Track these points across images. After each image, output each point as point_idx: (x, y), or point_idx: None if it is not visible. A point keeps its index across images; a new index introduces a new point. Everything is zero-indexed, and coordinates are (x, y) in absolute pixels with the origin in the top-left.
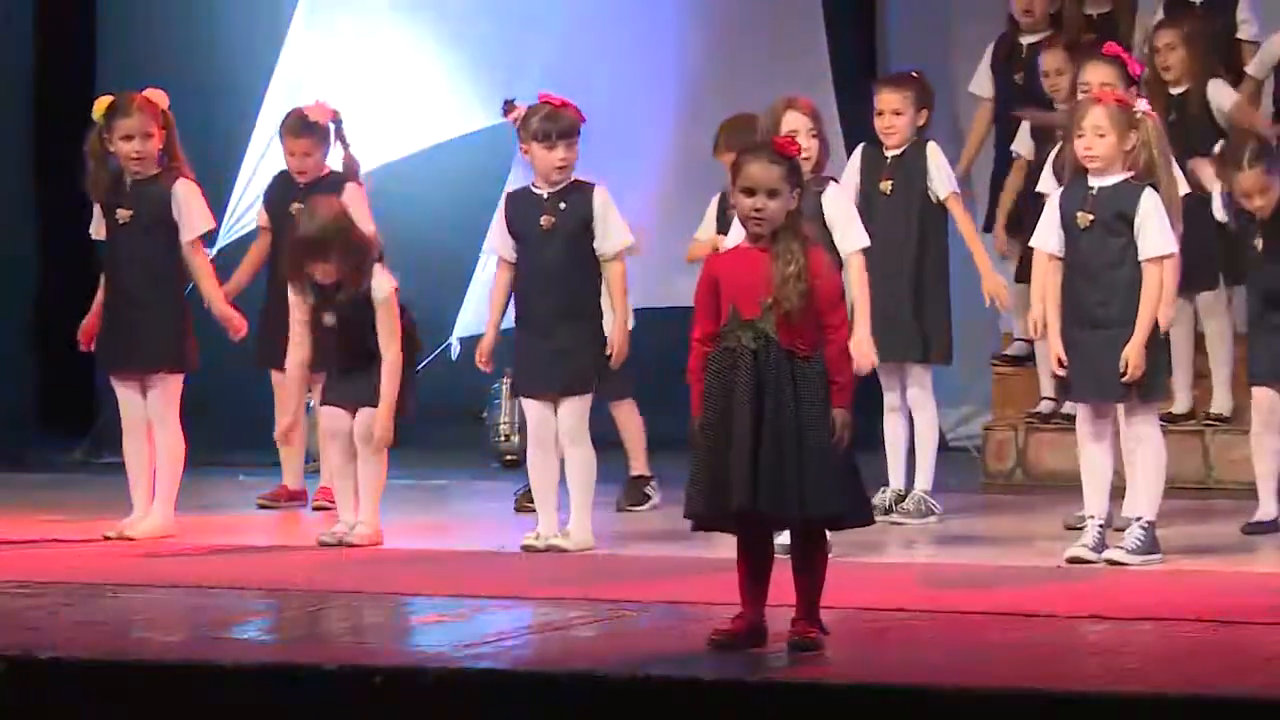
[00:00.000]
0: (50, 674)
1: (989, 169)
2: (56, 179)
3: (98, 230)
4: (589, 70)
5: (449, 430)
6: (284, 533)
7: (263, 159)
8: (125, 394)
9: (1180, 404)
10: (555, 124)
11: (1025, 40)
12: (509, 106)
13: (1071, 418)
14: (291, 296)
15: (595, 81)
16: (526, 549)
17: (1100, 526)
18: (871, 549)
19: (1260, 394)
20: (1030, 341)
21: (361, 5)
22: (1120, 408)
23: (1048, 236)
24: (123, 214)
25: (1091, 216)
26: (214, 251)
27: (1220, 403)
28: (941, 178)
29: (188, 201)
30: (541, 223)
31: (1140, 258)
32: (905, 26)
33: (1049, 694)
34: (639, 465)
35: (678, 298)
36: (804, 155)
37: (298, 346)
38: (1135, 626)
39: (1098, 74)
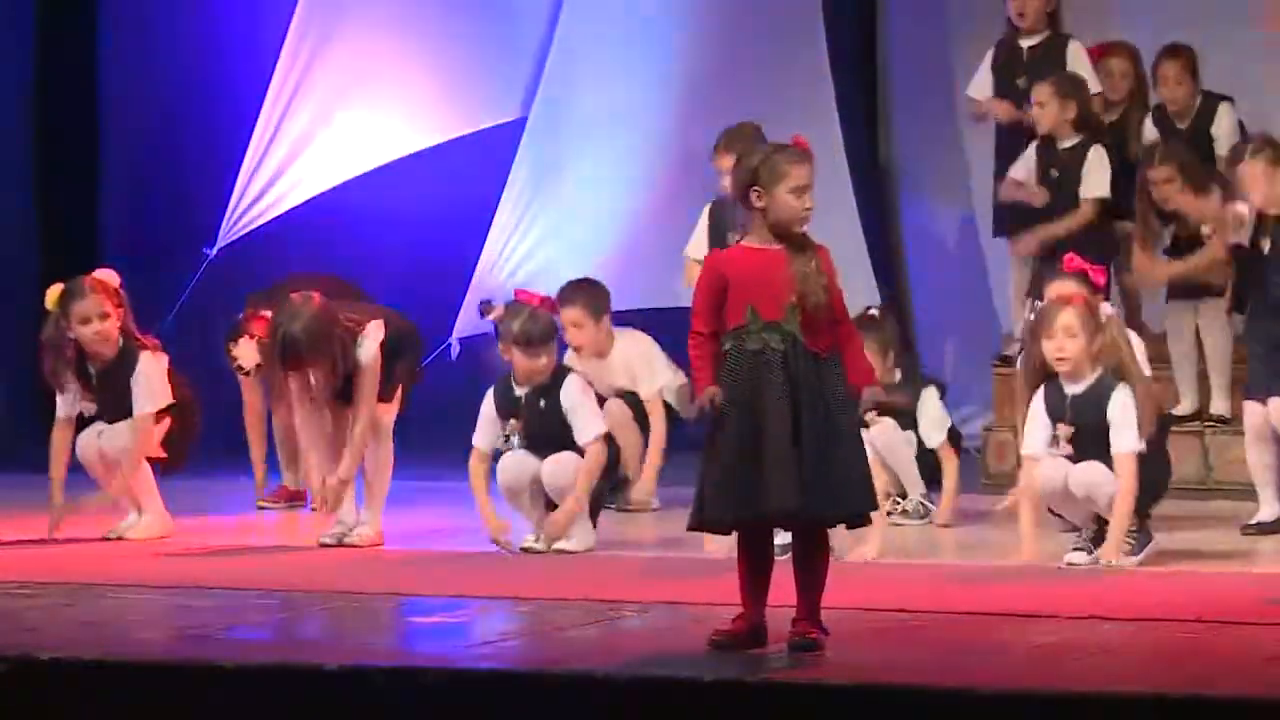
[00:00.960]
0: (50, 674)
1: (989, 175)
2: (57, 180)
3: (68, 411)
4: (587, 68)
5: (449, 431)
6: (284, 533)
7: (263, 160)
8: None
9: (1185, 405)
10: (537, 327)
11: (1024, 43)
12: (486, 308)
13: None
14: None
15: (593, 80)
16: (526, 551)
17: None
18: None
19: (1251, 407)
20: None
21: (361, 4)
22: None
23: (1035, 442)
24: (86, 406)
25: (1073, 428)
26: (214, 251)
27: (1220, 405)
28: (933, 427)
29: (149, 378)
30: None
31: (1113, 451)
32: (905, 26)
33: (1049, 694)
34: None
35: (677, 298)
36: None
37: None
38: (1135, 626)
39: (1064, 289)
